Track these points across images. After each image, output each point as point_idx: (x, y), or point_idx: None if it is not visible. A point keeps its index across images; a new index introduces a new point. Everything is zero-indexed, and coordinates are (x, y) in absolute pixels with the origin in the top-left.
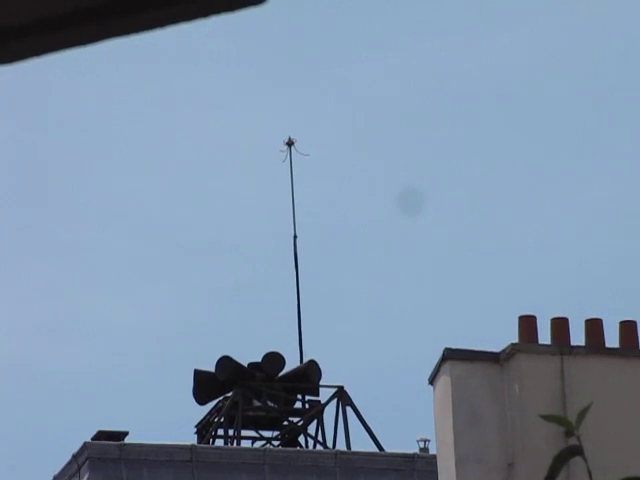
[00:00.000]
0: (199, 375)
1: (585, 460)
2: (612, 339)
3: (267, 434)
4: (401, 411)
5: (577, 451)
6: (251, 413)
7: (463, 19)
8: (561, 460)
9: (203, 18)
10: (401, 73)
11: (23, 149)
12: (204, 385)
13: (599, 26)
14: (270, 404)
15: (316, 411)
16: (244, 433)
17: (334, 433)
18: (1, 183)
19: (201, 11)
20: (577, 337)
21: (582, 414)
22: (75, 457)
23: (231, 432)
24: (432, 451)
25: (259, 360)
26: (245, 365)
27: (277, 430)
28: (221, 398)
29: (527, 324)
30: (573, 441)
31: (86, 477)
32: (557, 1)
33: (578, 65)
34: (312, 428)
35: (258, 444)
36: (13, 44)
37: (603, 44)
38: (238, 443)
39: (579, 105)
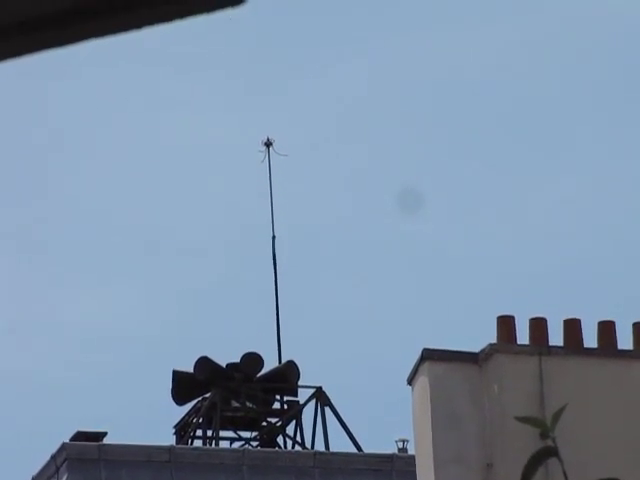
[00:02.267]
0: (178, 376)
1: (561, 461)
2: (590, 339)
3: (246, 435)
4: (380, 411)
5: (552, 452)
6: (229, 414)
7: (448, 14)
8: (536, 461)
9: (181, 19)
10: (382, 71)
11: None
12: (183, 386)
13: (589, 20)
14: (249, 405)
15: (295, 412)
16: (222, 434)
17: (313, 434)
18: None
19: (179, 12)
20: (555, 337)
21: (557, 415)
22: (54, 458)
23: (210, 433)
24: (411, 451)
25: (238, 361)
26: (224, 366)
27: (256, 431)
28: (200, 399)
29: (505, 324)
30: (549, 442)
31: (65, 478)
32: None
33: (570, 56)
34: (291, 429)
35: (237, 445)
36: (11, 41)
37: (590, 37)
38: (217, 444)
39: (578, 100)
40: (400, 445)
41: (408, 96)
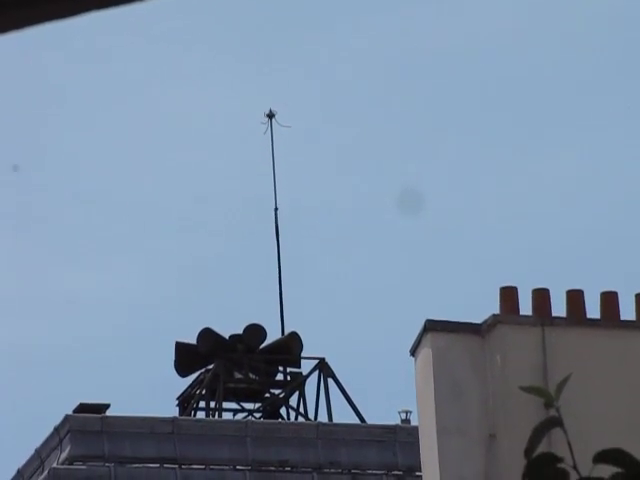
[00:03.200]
0: (180, 347)
1: (565, 431)
2: (593, 310)
3: (249, 406)
4: (382, 383)
5: (556, 422)
6: (232, 385)
7: None
8: (540, 431)
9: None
10: (375, 49)
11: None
12: (185, 357)
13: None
14: (251, 376)
15: (297, 383)
16: (225, 405)
17: (316, 405)
18: None
19: None
20: (558, 308)
21: (561, 385)
22: (57, 430)
23: (212, 404)
24: (414, 422)
25: (240, 332)
26: (226, 337)
27: (258, 402)
28: (202, 370)
29: (508, 295)
30: (553, 412)
31: (68, 450)
32: None
33: (556, 36)
34: (294, 400)
35: (240, 416)
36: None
37: (581, 17)
38: (220, 415)
39: (577, 79)
40: (403, 416)
41: (396, 73)
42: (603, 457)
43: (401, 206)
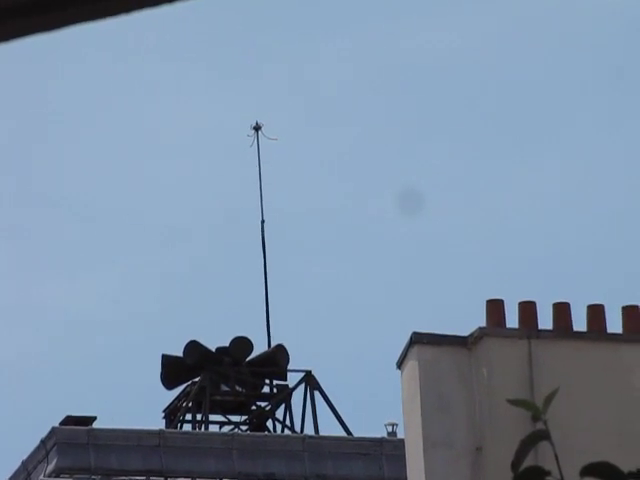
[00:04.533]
0: (167, 360)
1: (552, 444)
2: (580, 323)
3: (235, 419)
4: (369, 395)
5: (544, 435)
6: (219, 398)
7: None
8: (527, 445)
9: (169, 3)
10: (366, 54)
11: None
12: (172, 370)
13: (561, 5)
14: (238, 389)
15: (284, 395)
16: (212, 418)
17: (302, 417)
18: None
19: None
20: (545, 321)
21: (549, 398)
22: (43, 442)
23: (199, 417)
24: (400, 435)
25: (227, 345)
26: (213, 350)
27: (245, 415)
28: (189, 383)
29: (495, 308)
30: (540, 426)
31: (54, 462)
32: None
33: (551, 40)
34: (280, 413)
35: (226, 429)
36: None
37: (569, 24)
38: (206, 428)
39: (569, 86)
40: (389, 429)
41: (396, 80)
42: (590, 470)
43: (402, 209)
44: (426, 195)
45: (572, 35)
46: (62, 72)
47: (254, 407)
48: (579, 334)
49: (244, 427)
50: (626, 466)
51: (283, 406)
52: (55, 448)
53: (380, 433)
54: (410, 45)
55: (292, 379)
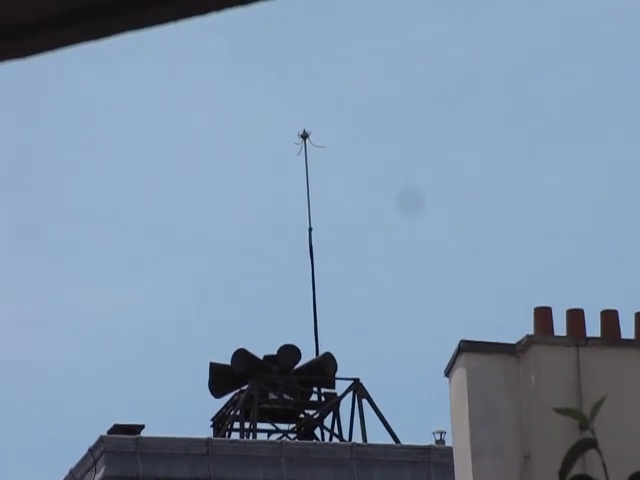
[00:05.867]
0: (215, 368)
1: (599, 453)
2: (628, 330)
3: (283, 427)
4: (417, 403)
5: (591, 444)
6: (267, 406)
7: (455, 10)
8: (574, 453)
9: (212, 13)
10: (402, 67)
11: (14, 142)
12: (220, 378)
13: (593, 16)
14: (286, 397)
15: (332, 404)
16: (260, 426)
17: (350, 425)
18: None
19: (208, 6)
20: (593, 329)
21: (596, 407)
22: (91, 451)
23: (247, 425)
24: (448, 443)
25: (275, 353)
26: (261, 358)
27: (293, 423)
28: (237, 391)
29: (543, 316)
30: (587, 434)
31: (102, 471)
32: None
33: (574, 52)
34: (328, 421)
35: (274, 437)
36: (27, 39)
37: (594, 34)
38: (254, 436)
39: (586, 94)
40: (437, 437)
41: (415, 92)
42: (638, 478)
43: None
44: (467, 203)
45: (598, 44)
46: (104, 75)
47: (302, 415)
48: (627, 342)
49: (292, 435)
50: None
51: (331, 414)
52: (103, 457)
53: (428, 441)
54: (445, 56)
55: (340, 387)
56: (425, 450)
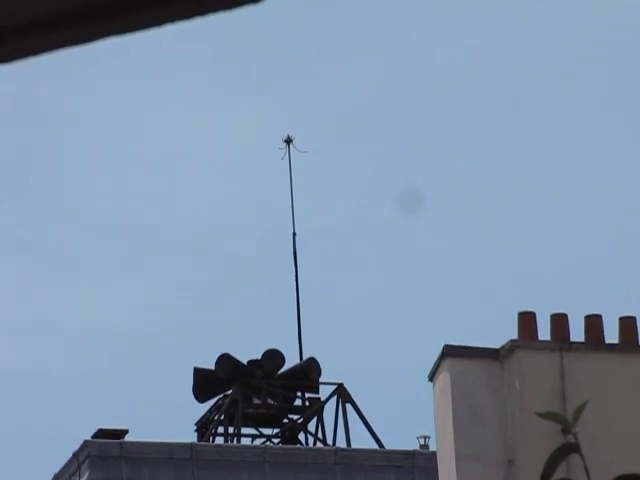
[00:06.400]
0: (199, 373)
1: (582, 457)
2: (612, 335)
3: (267, 432)
4: (401, 408)
5: (574, 448)
6: (251, 411)
7: (451, 12)
8: (557, 457)
9: (200, 16)
10: (397, 68)
11: (6, 146)
12: (204, 383)
13: (591, 14)
14: (270, 402)
15: (316, 408)
16: (244, 431)
17: (334, 430)
18: None
19: (198, 10)
20: (577, 333)
21: (579, 411)
22: (75, 455)
23: (231, 430)
24: (432, 448)
25: (259, 358)
26: (245, 363)
27: (277, 428)
28: (221, 396)
29: (526, 320)
30: (570, 438)
31: (86, 475)
32: None
33: (573, 53)
34: (312, 425)
35: (258, 442)
36: (13, 43)
37: (592, 33)
38: (238, 441)
39: (578, 97)
40: (421, 441)
41: (412, 94)
42: None
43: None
44: (451, 209)
45: (593, 45)
46: (88, 81)
47: (286, 420)
48: (611, 346)
49: (276, 440)
50: None
51: (315, 419)
52: (87, 461)
53: (412, 446)
54: (432, 60)
55: (324, 392)
56: (409, 455)
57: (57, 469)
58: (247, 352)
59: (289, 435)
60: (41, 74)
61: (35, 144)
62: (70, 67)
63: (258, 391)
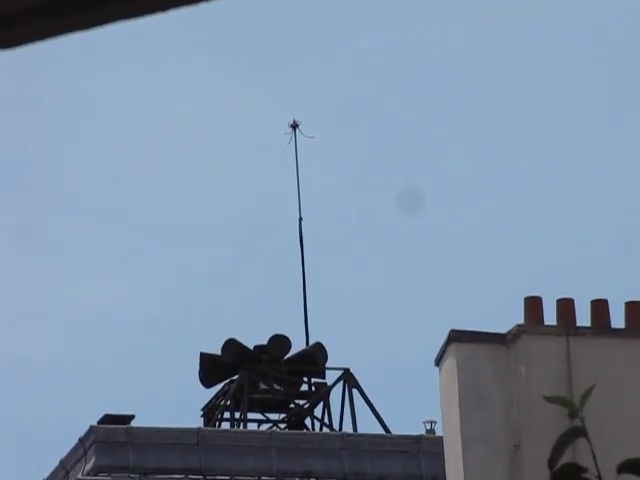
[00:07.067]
0: (205, 358)
1: (589, 441)
2: (618, 320)
3: (273, 417)
4: (407, 393)
5: (580, 432)
6: (257, 396)
7: (452, 4)
8: (564, 442)
9: (205, 1)
10: (403, 54)
11: (7, 134)
12: (210, 368)
13: (593, 16)
14: (276, 387)
15: (322, 393)
16: (250, 416)
17: (340, 415)
18: None
19: None
20: (583, 318)
21: (585, 395)
22: (82, 441)
23: (237, 415)
24: (438, 433)
25: (265, 343)
26: (251, 348)
27: (283, 413)
28: (227, 381)
29: (533, 305)
30: (577, 422)
31: (92, 461)
32: None
33: (572, 52)
34: (318, 410)
35: (264, 427)
36: (17, 29)
37: (592, 25)
38: (244, 426)
39: (580, 88)
40: (428, 426)
41: (413, 84)
42: (628, 467)
43: (402, 209)
44: (457, 193)
45: (592, 39)
46: (91, 68)
47: (292, 405)
48: (617, 331)
49: (282, 425)
50: None
51: (321, 404)
52: (93, 447)
53: (418, 430)
54: (439, 50)
55: (330, 377)
56: (415, 440)
57: (63, 454)
58: (253, 337)
59: (295, 420)
60: (41, 63)
61: (35, 132)
62: (70, 56)
63: (264, 376)
